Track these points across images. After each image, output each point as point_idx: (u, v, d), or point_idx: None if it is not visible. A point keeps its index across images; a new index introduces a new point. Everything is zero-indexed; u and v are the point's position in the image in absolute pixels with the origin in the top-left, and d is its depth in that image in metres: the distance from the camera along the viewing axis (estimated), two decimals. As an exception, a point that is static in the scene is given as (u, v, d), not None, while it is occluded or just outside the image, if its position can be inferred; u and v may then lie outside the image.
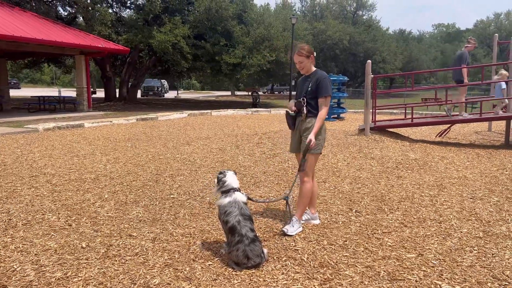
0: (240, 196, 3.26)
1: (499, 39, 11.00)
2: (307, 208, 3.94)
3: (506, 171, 6.29)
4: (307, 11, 49.85)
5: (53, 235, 3.61)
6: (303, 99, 3.80)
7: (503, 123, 11.59)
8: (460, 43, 64.18)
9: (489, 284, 2.81)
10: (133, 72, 26.32)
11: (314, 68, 3.90)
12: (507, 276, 2.92)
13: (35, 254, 3.20)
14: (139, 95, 31.26)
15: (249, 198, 3.46)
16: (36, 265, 3.02)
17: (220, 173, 3.44)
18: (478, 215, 4.21)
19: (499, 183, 5.56)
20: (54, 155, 7.45)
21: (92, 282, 2.76)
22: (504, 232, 3.75)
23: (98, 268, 2.96)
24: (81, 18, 23.73)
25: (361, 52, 42.35)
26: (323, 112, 3.73)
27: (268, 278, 2.84)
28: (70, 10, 24.25)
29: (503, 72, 9.42)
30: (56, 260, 3.09)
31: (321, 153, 3.88)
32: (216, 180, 3.42)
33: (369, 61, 8.81)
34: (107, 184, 5.44)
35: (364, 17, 50.83)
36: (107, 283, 2.75)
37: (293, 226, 3.69)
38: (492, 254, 3.28)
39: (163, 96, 40.35)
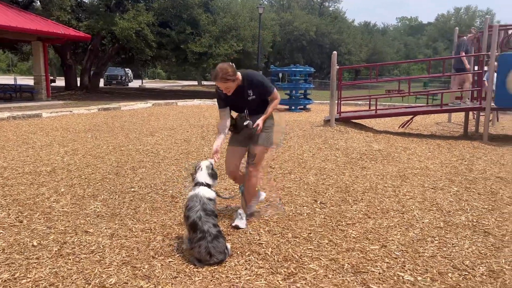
0: (204, 191, 3.15)
1: (459, 33, 11.30)
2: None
3: (465, 161, 6.47)
4: (274, 1, 49.73)
5: (1, 233, 3.38)
6: (246, 112, 3.57)
7: (462, 114, 11.99)
8: (422, 36, 66.08)
9: (449, 274, 2.84)
10: (95, 60, 25.40)
11: (240, 77, 3.47)
12: (466, 266, 2.96)
13: (-20, 254, 2.97)
14: (101, 84, 30.29)
15: (217, 195, 3.35)
16: (-19, 266, 2.80)
17: (197, 164, 3.38)
18: (439, 205, 4.29)
19: (459, 173, 5.70)
20: (7, 147, 7.04)
21: (42, 284, 2.58)
22: (464, 222, 3.82)
23: (49, 268, 2.78)
24: (38, 3, 22.61)
25: (327, 43, 42.70)
26: (275, 102, 3.63)
27: (230, 274, 2.75)
28: (26, -7, 23.03)
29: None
30: (3, 260, 2.88)
31: (271, 148, 3.76)
32: (192, 169, 3.40)
33: (334, 52, 8.83)
34: (64, 177, 5.18)
35: (330, 9, 51.34)
36: (58, 284, 2.58)
37: (243, 219, 3.62)
38: (452, 244, 3.33)
39: (127, 85, 39.28)
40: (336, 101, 9.10)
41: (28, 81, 29.75)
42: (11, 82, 26.00)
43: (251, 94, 3.54)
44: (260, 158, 3.66)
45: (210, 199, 3.14)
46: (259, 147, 3.61)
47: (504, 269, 2.90)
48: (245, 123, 3.55)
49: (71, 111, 12.90)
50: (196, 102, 18.53)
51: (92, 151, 6.84)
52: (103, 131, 9.09)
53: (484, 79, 9.44)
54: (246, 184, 3.71)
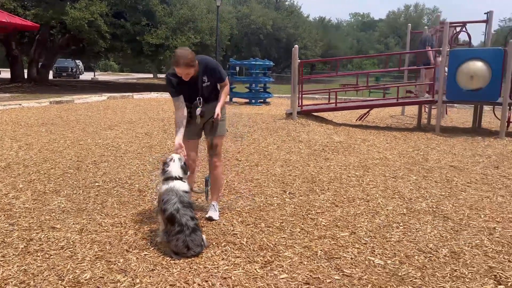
0: (179, 184, 3.11)
1: (411, 29, 11.81)
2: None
3: (421, 151, 6.81)
4: (231, -6, 49.38)
5: (-41, 231, 3.18)
6: (199, 99, 3.46)
7: (415, 107, 12.55)
8: (374, 32, 68.28)
9: (416, 256, 3.00)
10: (43, 51, 24.15)
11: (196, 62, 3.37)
12: (430, 248, 3.14)
13: None
14: (51, 76, 28.87)
15: (192, 190, 3.34)
16: None
17: (168, 158, 3.28)
18: (400, 193, 4.50)
19: (416, 163, 5.99)
20: (-47, 142, 6.59)
21: (11, 282, 2.47)
22: (425, 208, 4.04)
23: (17, 266, 2.65)
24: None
25: (283, 37, 43.06)
26: (227, 88, 3.60)
27: (208, 265, 2.76)
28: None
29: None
30: (-35, 260, 2.72)
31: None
32: (162, 164, 3.30)
33: (296, 46, 8.95)
34: (20, 173, 4.93)
35: (286, 3, 51.66)
36: (29, 282, 2.47)
37: (216, 211, 3.64)
38: (416, 229, 3.51)
39: (78, 77, 37.67)
40: (298, 95, 9.25)
41: (-31, 72, 27.89)
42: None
43: (206, 81, 3.45)
44: (220, 147, 3.70)
45: (186, 192, 3.11)
46: (218, 137, 3.61)
47: (464, 250, 3.10)
48: (197, 113, 3.46)
49: (20, 104, 12.22)
50: (153, 95, 18.14)
51: (48, 145, 6.55)
52: (58, 125, 8.70)
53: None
54: (214, 175, 3.70)
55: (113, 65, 64.26)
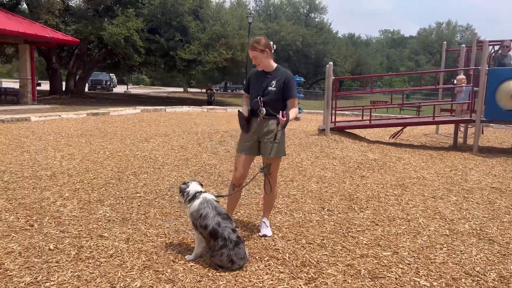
0: (209, 196, 3.15)
1: (439, 47, 11.64)
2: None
3: (459, 172, 6.66)
4: (261, 11, 50.17)
5: (14, 236, 3.33)
6: (259, 99, 3.44)
7: (449, 126, 12.31)
8: (404, 49, 67.58)
9: (463, 279, 2.94)
10: (81, 65, 25.12)
11: (274, 65, 3.51)
12: (478, 272, 3.07)
13: (-3, 258, 2.93)
14: (86, 88, 29.92)
15: (218, 195, 3.39)
16: (0, 269, 2.76)
17: (183, 183, 3.28)
18: (441, 214, 4.41)
19: (455, 183, 5.87)
20: (1, 150, 6.91)
21: (67, 287, 2.57)
22: (468, 230, 3.95)
23: (71, 272, 2.76)
24: (24, 5, 22.29)
25: (312, 54, 43.25)
26: (295, 110, 3.45)
27: (253, 279, 2.79)
28: (12, -5, 22.68)
29: (459, 77, 9.89)
30: (22, 263, 2.85)
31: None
32: (180, 191, 3.25)
33: (330, 63, 8.99)
34: (65, 182, 5.12)
35: (316, 20, 51.99)
36: (84, 287, 2.57)
37: (267, 227, 3.67)
38: (461, 251, 3.44)
39: (112, 90, 38.88)
40: (331, 111, 9.25)
41: (9, 84, 29.21)
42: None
43: (273, 85, 3.44)
44: (277, 169, 3.69)
45: (217, 202, 3.13)
46: (274, 158, 3.54)
47: (514, 275, 3.02)
48: (260, 111, 3.39)
49: (59, 116, 12.72)
50: (185, 108, 18.49)
51: (89, 156, 6.78)
52: (96, 136, 9.00)
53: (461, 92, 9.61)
54: (268, 195, 3.66)
55: (144, 78, 65.95)
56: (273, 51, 3.50)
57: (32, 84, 17.30)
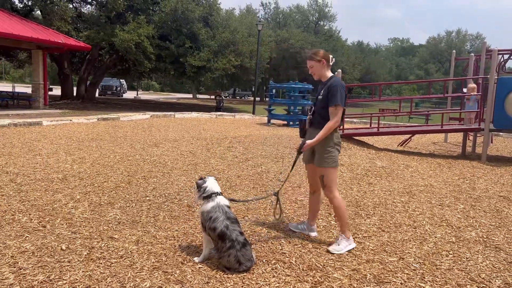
0: (223, 200, 3.24)
1: (449, 55, 11.65)
2: (308, 219, 3.89)
3: (467, 180, 6.65)
4: (271, 19, 50.45)
5: (27, 236, 3.42)
6: (311, 107, 3.65)
7: (458, 134, 12.27)
8: (414, 57, 67.47)
9: (468, 286, 2.96)
10: (92, 71, 25.46)
11: (329, 74, 3.61)
12: (483, 279, 3.08)
13: (11, 256, 3.02)
14: (97, 94, 30.27)
15: (231, 199, 3.47)
16: (14, 267, 2.85)
17: (200, 178, 3.38)
18: (448, 221, 4.43)
19: (462, 191, 5.86)
20: (14, 153, 7.06)
21: (78, 286, 2.64)
22: (474, 238, 3.96)
23: (83, 271, 2.84)
24: (38, 11, 22.68)
25: (321, 61, 43.26)
26: (331, 123, 3.41)
27: (260, 281, 2.84)
28: (26, 2, 23.13)
29: (471, 85, 9.90)
30: (35, 263, 2.93)
31: (336, 166, 3.57)
32: (196, 186, 3.34)
33: (339, 70, 9.04)
34: (77, 185, 5.22)
35: (325, 27, 52.13)
36: (95, 286, 2.64)
37: (338, 245, 3.48)
38: (467, 258, 3.45)
39: (122, 96, 39.28)
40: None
41: (21, 88, 29.66)
42: (5, 89, 25.89)
43: (321, 94, 3.55)
44: (327, 181, 3.53)
45: (228, 207, 3.22)
46: (321, 168, 3.53)
47: (519, 283, 3.03)
48: (306, 117, 3.66)
49: (70, 120, 12.91)
50: (193, 114, 18.63)
51: (99, 160, 6.89)
52: (106, 140, 9.13)
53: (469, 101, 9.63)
54: (334, 210, 3.63)
55: (154, 84, 66.55)
56: (331, 63, 3.63)
57: (44, 89, 17.56)
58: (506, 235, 4.06)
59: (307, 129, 3.68)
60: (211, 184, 3.28)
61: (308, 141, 3.51)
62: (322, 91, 3.57)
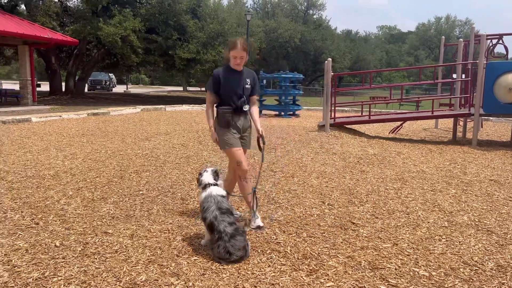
0: (216, 190, 3.27)
1: (438, 42, 11.70)
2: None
3: (458, 165, 6.72)
4: (259, 8, 50.11)
5: (20, 234, 3.39)
6: (244, 98, 3.71)
7: (448, 120, 12.37)
8: (404, 44, 67.56)
9: (461, 269, 3.00)
10: (80, 65, 25.15)
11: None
12: (476, 261, 3.13)
13: (5, 254, 2.99)
14: (86, 89, 29.94)
15: (228, 194, 3.49)
16: (8, 265, 2.82)
17: (200, 173, 3.52)
18: (440, 206, 4.47)
19: (454, 176, 5.92)
20: (4, 151, 6.97)
21: (74, 281, 2.63)
22: (466, 222, 4.01)
23: (77, 267, 2.82)
24: (22, 6, 22.29)
25: (311, 50, 43.19)
26: (257, 108, 3.89)
27: (256, 271, 2.85)
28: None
29: None
30: (29, 260, 2.91)
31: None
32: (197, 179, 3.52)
33: (329, 59, 9.03)
34: (69, 181, 5.18)
35: (315, 16, 51.89)
36: (90, 282, 2.63)
37: (258, 218, 3.75)
38: (459, 242, 3.50)
39: (111, 90, 38.91)
40: (330, 107, 9.30)
41: (9, 85, 29.21)
42: (-7, 86, 25.49)
43: (248, 83, 3.74)
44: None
45: (223, 196, 3.26)
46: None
47: (511, 264, 3.08)
48: (244, 108, 3.72)
49: (60, 116, 12.79)
50: (184, 107, 18.54)
51: (91, 155, 6.84)
52: (97, 135, 9.06)
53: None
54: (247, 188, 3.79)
55: (143, 78, 65.96)
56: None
57: (32, 85, 17.31)
58: (498, 218, 4.12)
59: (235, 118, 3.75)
60: (206, 177, 3.40)
61: (261, 129, 3.83)
62: (247, 80, 3.72)
